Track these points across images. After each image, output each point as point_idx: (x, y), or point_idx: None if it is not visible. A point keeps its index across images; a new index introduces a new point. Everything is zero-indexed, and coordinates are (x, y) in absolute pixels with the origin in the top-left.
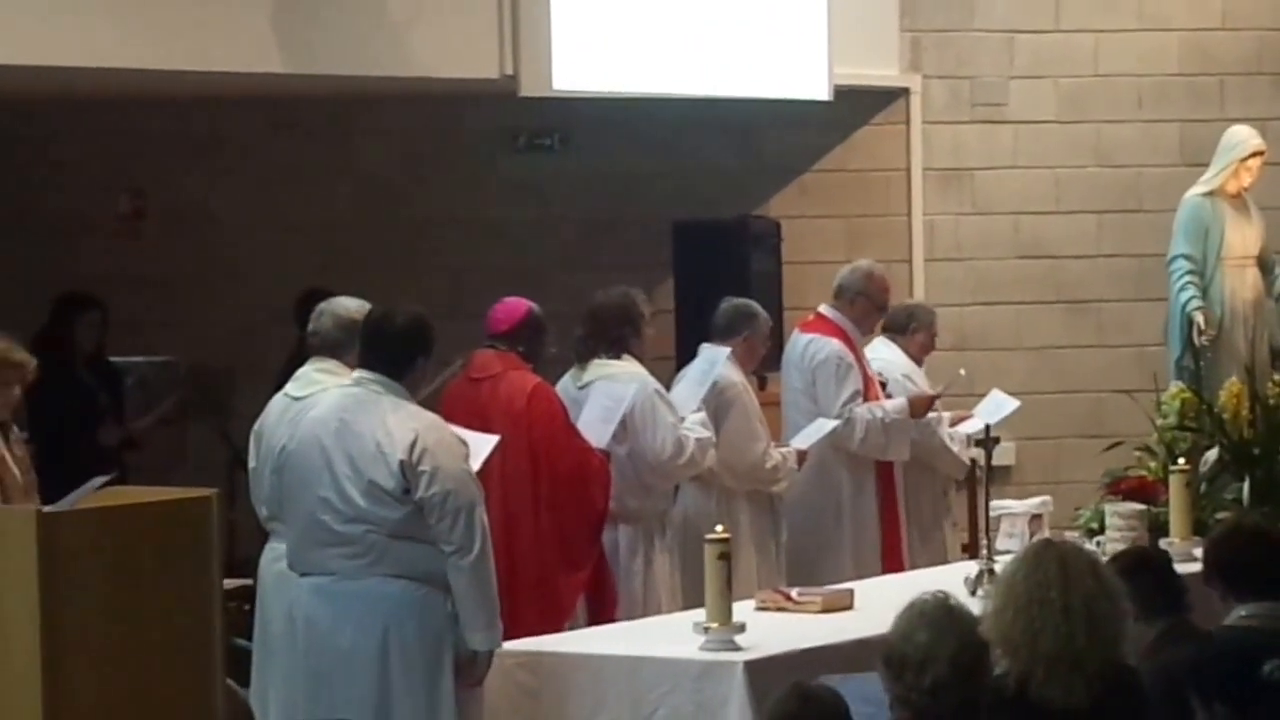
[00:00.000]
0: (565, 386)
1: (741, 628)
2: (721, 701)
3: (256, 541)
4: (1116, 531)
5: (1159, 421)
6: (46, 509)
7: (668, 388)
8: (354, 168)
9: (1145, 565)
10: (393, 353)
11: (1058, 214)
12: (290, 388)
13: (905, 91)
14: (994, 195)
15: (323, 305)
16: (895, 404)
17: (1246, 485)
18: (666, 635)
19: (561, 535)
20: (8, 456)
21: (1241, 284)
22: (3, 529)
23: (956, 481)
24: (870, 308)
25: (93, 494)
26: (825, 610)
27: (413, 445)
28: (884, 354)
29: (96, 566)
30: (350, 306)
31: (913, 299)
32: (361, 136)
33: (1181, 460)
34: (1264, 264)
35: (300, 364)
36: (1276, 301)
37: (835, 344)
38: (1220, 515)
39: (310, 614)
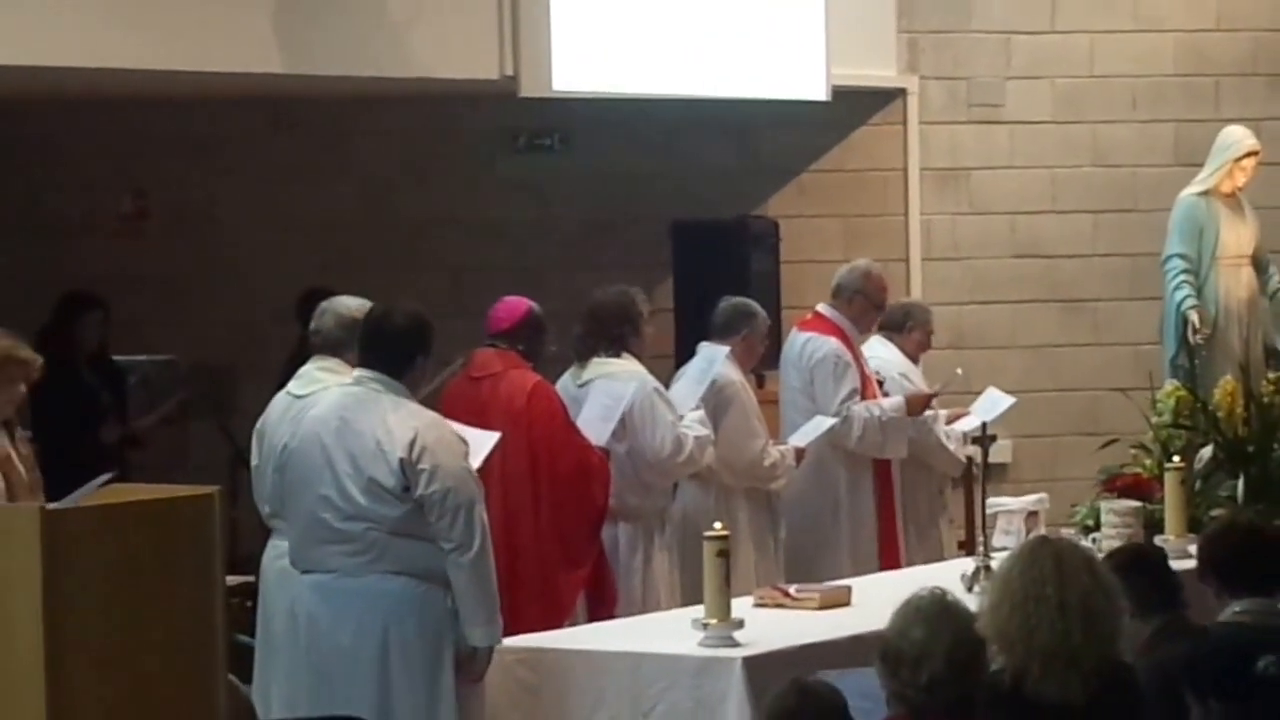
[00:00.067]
0: (565, 385)
1: (740, 624)
2: (720, 697)
3: (259, 539)
4: (1112, 528)
5: (1154, 419)
6: (50, 506)
7: (667, 386)
8: (354, 168)
9: (1141, 562)
10: (393, 352)
11: (1054, 214)
12: (292, 386)
13: (902, 92)
14: (990, 195)
15: (325, 304)
16: (892, 402)
17: (1241, 482)
18: (665, 631)
19: (561, 533)
20: (14, 455)
21: (1236, 283)
22: (7, 526)
23: (953, 479)
24: (868, 307)
25: (95, 492)
26: (823, 607)
27: (412, 443)
28: (880, 353)
29: (99, 564)
30: (352, 305)
31: (909, 298)
32: (361, 136)
33: (1176, 458)
34: (1258, 263)
35: (301, 362)
36: (1271, 300)
37: (833, 342)
38: (1215, 512)
39: (312, 611)
